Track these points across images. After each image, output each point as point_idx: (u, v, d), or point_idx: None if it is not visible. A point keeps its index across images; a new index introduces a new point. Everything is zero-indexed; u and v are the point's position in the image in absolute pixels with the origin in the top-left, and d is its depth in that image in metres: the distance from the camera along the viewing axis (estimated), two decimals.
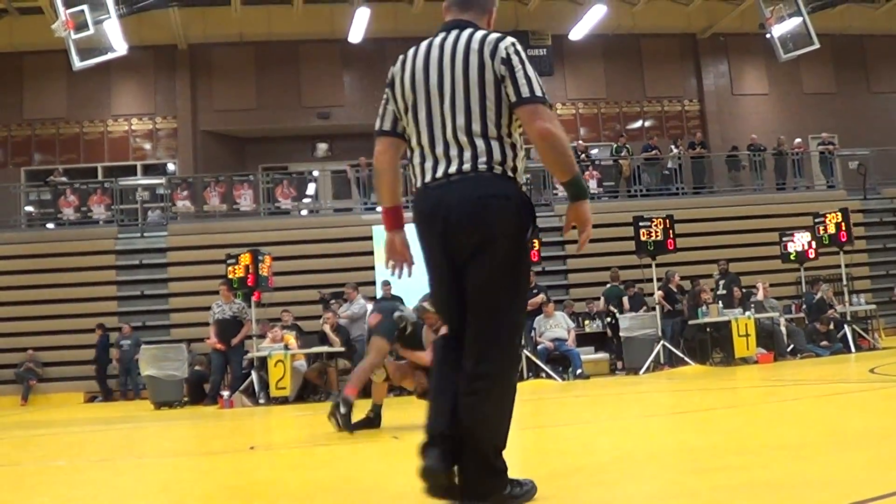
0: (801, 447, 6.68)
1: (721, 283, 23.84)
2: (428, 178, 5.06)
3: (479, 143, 4.96)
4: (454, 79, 5.04)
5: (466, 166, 4.94)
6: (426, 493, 4.87)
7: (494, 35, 5.07)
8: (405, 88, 5.27)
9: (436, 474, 4.84)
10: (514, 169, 5.05)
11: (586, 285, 27.36)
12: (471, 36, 5.10)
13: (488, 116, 4.97)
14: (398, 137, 5.31)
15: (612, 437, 8.56)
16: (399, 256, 5.45)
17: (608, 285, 25.47)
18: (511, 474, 5.07)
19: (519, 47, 5.02)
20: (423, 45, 5.32)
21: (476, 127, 4.97)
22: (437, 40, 5.27)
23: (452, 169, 4.97)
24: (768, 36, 28.10)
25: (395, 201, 5.34)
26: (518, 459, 8.07)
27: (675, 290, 22.97)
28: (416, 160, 5.16)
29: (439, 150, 5.04)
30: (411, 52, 5.37)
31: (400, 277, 5.53)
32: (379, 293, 24.56)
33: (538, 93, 4.92)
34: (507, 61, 4.95)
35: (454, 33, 5.21)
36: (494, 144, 4.99)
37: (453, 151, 4.99)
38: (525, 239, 5.00)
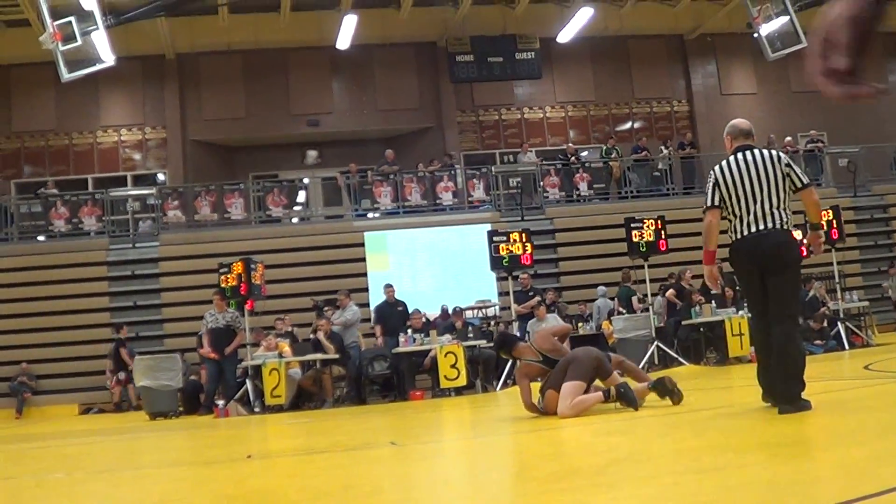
0: (799, 444, 6.71)
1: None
2: (747, 232, 8.80)
3: (777, 213, 8.77)
4: (768, 179, 8.82)
5: (773, 225, 8.74)
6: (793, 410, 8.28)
7: (775, 153, 9.11)
8: (728, 183, 8.96)
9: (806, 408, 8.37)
10: (791, 226, 8.90)
11: (578, 287, 27.40)
12: (762, 153, 8.98)
13: (782, 199, 8.82)
14: (719, 209, 9.05)
15: (608, 439, 8.57)
16: (716, 279, 9.92)
17: (619, 286, 25.53)
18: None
19: (789, 159, 9.08)
20: (738, 158, 9.01)
21: (778, 204, 8.79)
22: (742, 156, 9.01)
23: (764, 227, 8.74)
24: (756, 35, 28.17)
25: (715, 246, 9.24)
26: (514, 461, 8.09)
27: (687, 287, 23.02)
28: (737, 222, 8.89)
29: (757, 216, 8.77)
30: (728, 162, 9.06)
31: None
32: (375, 298, 24.59)
33: (807, 181, 9.02)
34: (788, 165, 8.96)
35: (752, 152, 9.02)
36: (785, 214, 8.82)
37: (766, 217, 8.75)
38: (801, 263, 9.31)
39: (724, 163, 9.04)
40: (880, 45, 37.78)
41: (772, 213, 8.70)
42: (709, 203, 9.06)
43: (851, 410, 9.01)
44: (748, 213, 8.76)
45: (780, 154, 8.99)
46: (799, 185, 8.88)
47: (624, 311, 23.79)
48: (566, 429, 9.60)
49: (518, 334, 19.85)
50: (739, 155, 8.97)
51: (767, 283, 8.70)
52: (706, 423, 9.21)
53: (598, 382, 10.79)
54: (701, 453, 6.80)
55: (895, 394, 10.47)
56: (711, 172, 9.14)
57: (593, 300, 26.27)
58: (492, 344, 21.15)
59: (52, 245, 28.69)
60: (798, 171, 8.95)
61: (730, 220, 8.98)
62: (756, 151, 8.94)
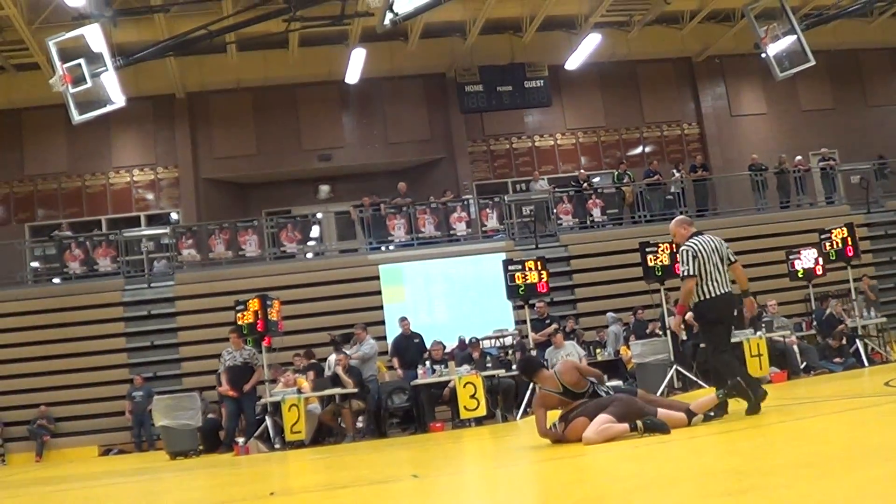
0: (822, 464, 6.66)
1: None
2: (718, 292, 11.87)
3: (728, 281, 11.87)
4: (721, 256, 12.02)
5: (730, 289, 12.07)
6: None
7: (718, 238, 12.32)
8: (703, 258, 11.88)
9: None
10: None
11: (595, 314, 27.32)
12: (713, 238, 12.23)
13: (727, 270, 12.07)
14: (696, 277, 11.86)
15: (633, 464, 8.53)
16: (680, 328, 15.62)
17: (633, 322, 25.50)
18: None
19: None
20: (702, 239, 12.08)
21: (727, 273, 12.01)
22: (703, 239, 12.13)
23: (727, 290, 11.99)
24: (763, 55, 28.09)
25: (687, 304, 12.23)
26: (540, 490, 8.05)
27: None
28: (709, 286, 11.85)
29: (722, 280, 11.92)
30: (696, 242, 12.02)
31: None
32: (392, 331, 24.57)
33: (735, 258, 12.23)
34: (727, 247, 12.20)
35: (707, 236, 12.23)
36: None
37: (726, 283, 11.94)
38: None
39: (694, 243, 12.01)
40: (888, 62, 37.87)
41: (727, 281, 12.01)
42: (691, 273, 11.85)
43: (873, 428, 8.95)
44: (717, 280, 11.91)
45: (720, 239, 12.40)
46: (733, 259, 12.21)
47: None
48: (589, 456, 9.56)
49: None
50: (700, 237, 12.15)
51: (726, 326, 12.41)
52: (729, 445, 9.17)
53: None
54: (726, 476, 6.76)
55: None
56: (690, 248, 11.93)
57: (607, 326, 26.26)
58: (510, 373, 21.18)
59: (67, 287, 28.75)
60: (731, 251, 12.32)
61: (699, 284, 11.90)
62: (709, 236, 12.29)
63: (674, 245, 14.00)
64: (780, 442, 8.68)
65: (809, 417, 11.44)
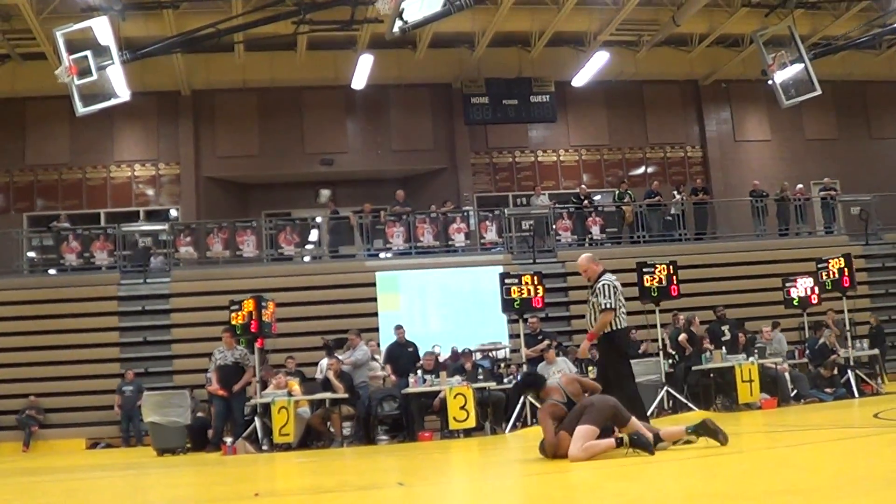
0: (808, 492, 6.66)
1: (725, 328, 23.72)
2: (625, 325, 13.39)
3: None
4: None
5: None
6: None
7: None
8: (619, 291, 13.21)
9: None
10: None
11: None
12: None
13: None
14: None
15: (618, 483, 8.51)
16: (586, 354, 15.39)
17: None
18: None
19: None
20: (611, 276, 13.39)
21: None
22: (611, 275, 13.44)
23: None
24: (770, 82, 28.11)
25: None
26: None
27: (696, 333, 22.97)
28: (620, 317, 13.20)
29: (625, 315, 13.37)
30: (611, 278, 13.34)
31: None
32: (386, 338, 24.56)
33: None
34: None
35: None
36: None
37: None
38: None
39: (611, 279, 13.35)
40: (893, 95, 37.94)
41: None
42: (612, 306, 13.05)
43: (860, 459, 8.95)
44: (624, 314, 13.39)
45: None
46: None
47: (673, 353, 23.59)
48: (575, 472, 9.55)
49: None
50: (612, 275, 13.52)
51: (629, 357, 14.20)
52: (715, 469, 9.16)
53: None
54: (710, 500, 6.76)
55: None
56: (610, 283, 13.21)
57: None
58: (501, 386, 21.19)
59: (62, 279, 28.73)
60: None
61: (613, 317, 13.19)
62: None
63: (586, 279, 13.85)
64: (767, 468, 8.67)
65: (797, 445, 11.44)
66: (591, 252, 29.74)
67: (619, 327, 13.28)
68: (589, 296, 13.54)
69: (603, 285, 13.13)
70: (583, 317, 13.76)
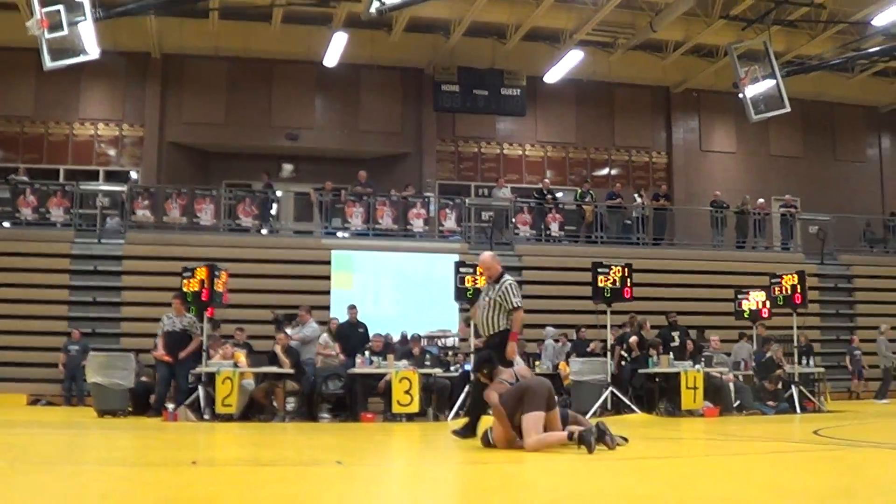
0: (740, 502, 6.69)
1: (676, 334, 23.84)
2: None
3: None
4: None
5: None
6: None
7: None
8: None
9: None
10: None
11: (541, 326, 27.32)
12: None
13: None
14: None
15: (554, 478, 8.54)
16: (515, 354, 13.53)
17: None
18: None
19: None
20: (510, 276, 13.68)
21: None
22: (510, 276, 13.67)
23: None
24: (741, 96, 28.29)
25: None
26: (457, 492, 8.06)
27: (645, 336, 23.06)
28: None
29: None
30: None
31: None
32: (341, 317, 24.51)
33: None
34: None
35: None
36: None
37: None
38: None
39: (512, 278, 13.54)
40: (861, 119, 38.19)
41: None
42: (521, 304, 13.26)
43: (795, 474, 9.01)
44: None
45: None
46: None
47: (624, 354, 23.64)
48: (513, 464, 9.58)
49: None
50: (508, 275, 13.60)
51: None
52: (652, 472, 9.21)
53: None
54: (641, 501, 6.78)
55: (842, 460, 10.48)
56: (514, 282, 13.39)
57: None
58: (447, 373, 21.23)
59: (16, 232, 28.43)
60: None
61: (506, 315, 13.19)
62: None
63: (486, 277, 14.10)
64: (704, 475, 8.72)
65: (735, 455, 11.50)
66: (549, 247, 30.12)
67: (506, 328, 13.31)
68: (484, 294, 13.66)
69: (509, 285, 13.27)
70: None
